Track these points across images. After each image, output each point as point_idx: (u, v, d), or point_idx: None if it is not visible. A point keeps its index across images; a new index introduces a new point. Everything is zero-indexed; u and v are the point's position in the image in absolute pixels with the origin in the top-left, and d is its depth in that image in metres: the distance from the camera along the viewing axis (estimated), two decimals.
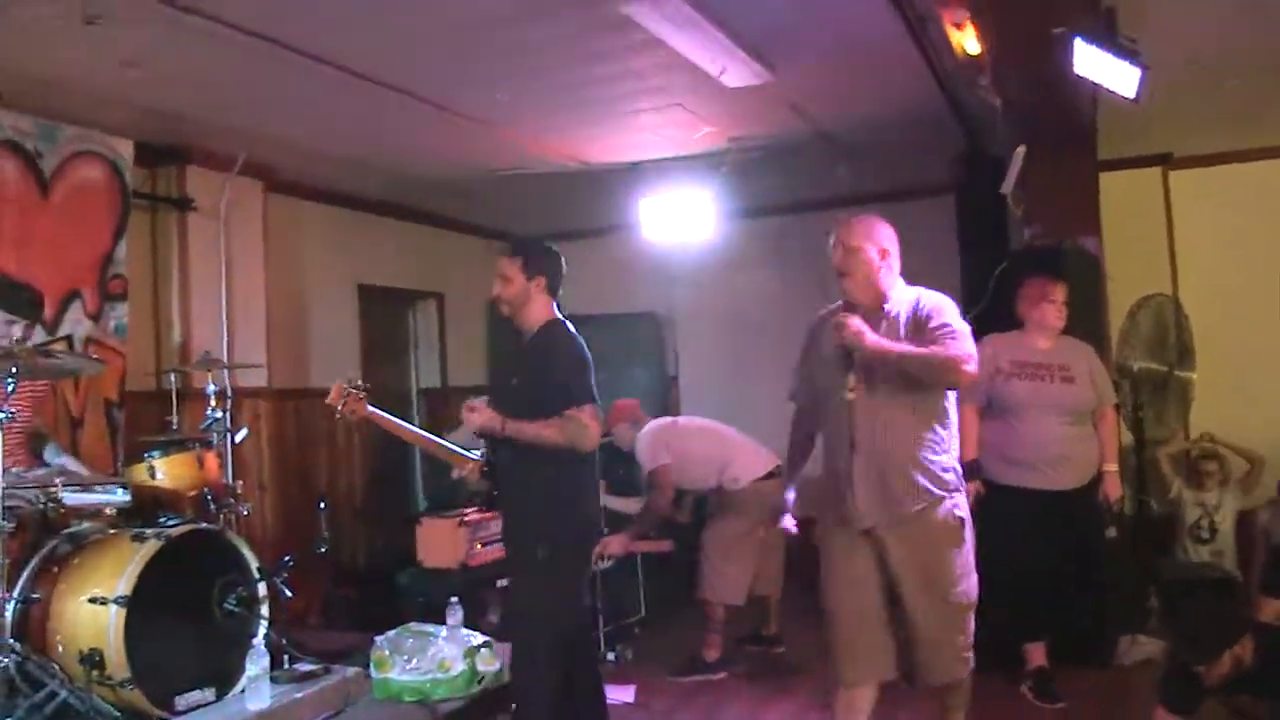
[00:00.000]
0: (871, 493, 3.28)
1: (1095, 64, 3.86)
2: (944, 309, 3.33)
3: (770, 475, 5.26)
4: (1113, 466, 4.69)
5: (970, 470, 4.51)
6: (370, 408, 3.94)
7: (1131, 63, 3.82)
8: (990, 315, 5.10)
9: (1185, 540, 6.20)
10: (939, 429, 3.34)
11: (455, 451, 4.01)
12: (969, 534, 3.39)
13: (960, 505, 3.38)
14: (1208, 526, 6.14)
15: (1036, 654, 4.63)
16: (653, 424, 5.60)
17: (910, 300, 3.38)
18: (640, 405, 5.87)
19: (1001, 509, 4.48)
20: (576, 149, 6.30)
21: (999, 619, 4.75)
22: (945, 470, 3.34)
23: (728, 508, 5.38)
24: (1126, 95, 4.00)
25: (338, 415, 3.86)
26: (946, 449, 3.36)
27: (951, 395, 3.38)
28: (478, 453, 3.96)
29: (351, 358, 7.22)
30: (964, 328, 3.29)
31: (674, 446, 5.42)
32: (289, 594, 4.59)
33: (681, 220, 6.43)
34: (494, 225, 8.70)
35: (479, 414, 3.60)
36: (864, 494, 3.28)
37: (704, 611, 5.43)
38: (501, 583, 5.58)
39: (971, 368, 3.23)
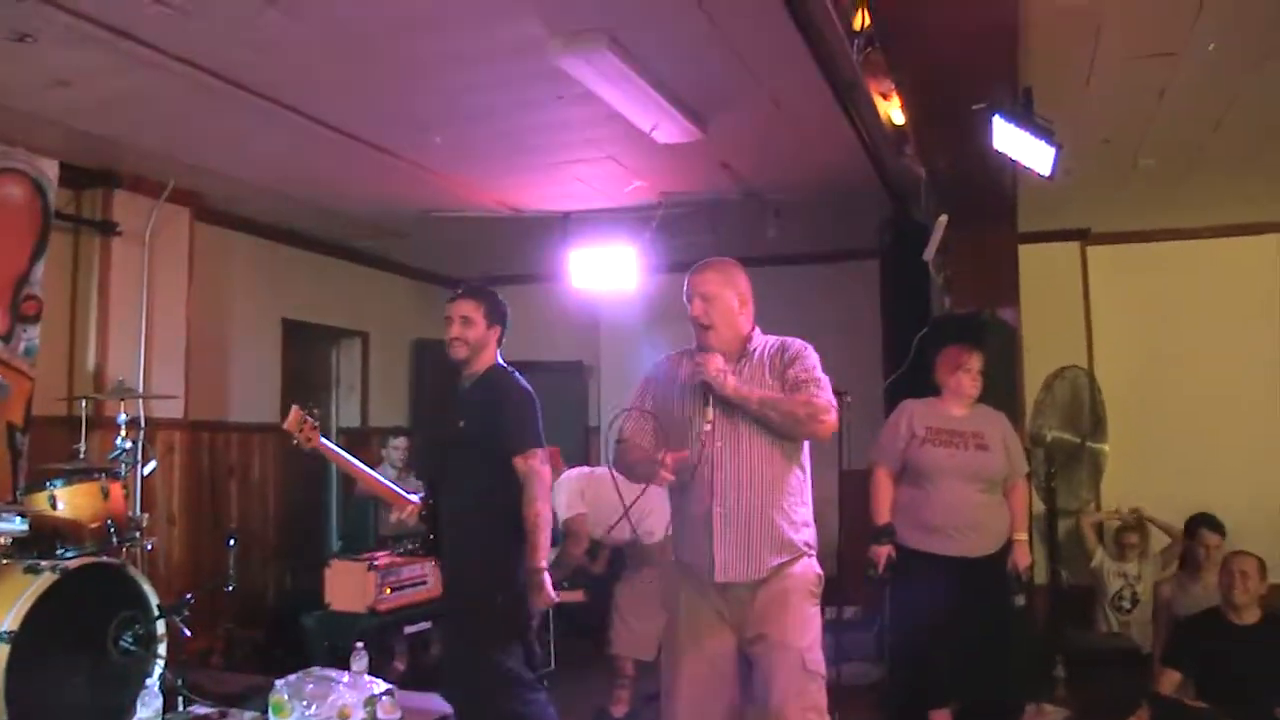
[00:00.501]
0: (731, 544, 3.01)
1: (1012, 140, 3.98)
2: (808, 355, 3.12)
3: None
4: (1023, 535, 4.73)
5: (883, 534, 4.58)
6: (322, 439, 3.97)
7: (1046, 141, 3.94)
8: (909, 380, 5.19)
9: (1106, 610, 6.33)
10: (801, 476, 3.14)
11: (398, 493, 4.02)
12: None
13: (817, 565, 3.15)
14: (1129, 597, 6.29)
15: None
16: (570, 472, 5.57)
17: (773, 344, 3.18)
18: (560, 454, 5.84)
19: (912, 574, 4.53)
20: (508, 195, 6.33)
21: (906, 684, 4.82)
22: (807, 525, 3.14)
23: (642, 561, 5.36)
24: (1041, 172, 4.13)
25: (294, 442, 3.86)
26: (808, 502, 3.16)
27: (804, 451, 3.16)
28: (416, 496, 3.99)
29: (271, 393, 7.11)
30: (825, 378, 3.09)
31: (589, 495, 5.39)
32: (188, 633, 4.48)
33: (610, 271, 6.46)
34: (423, 266, 8.71)
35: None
36: (722, 544, 3.01)
37: (614, 665, 5.38)
38: (411, 629, 5.51)
39: (833, 419, 3.02)
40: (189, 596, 4.59)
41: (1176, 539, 6.33)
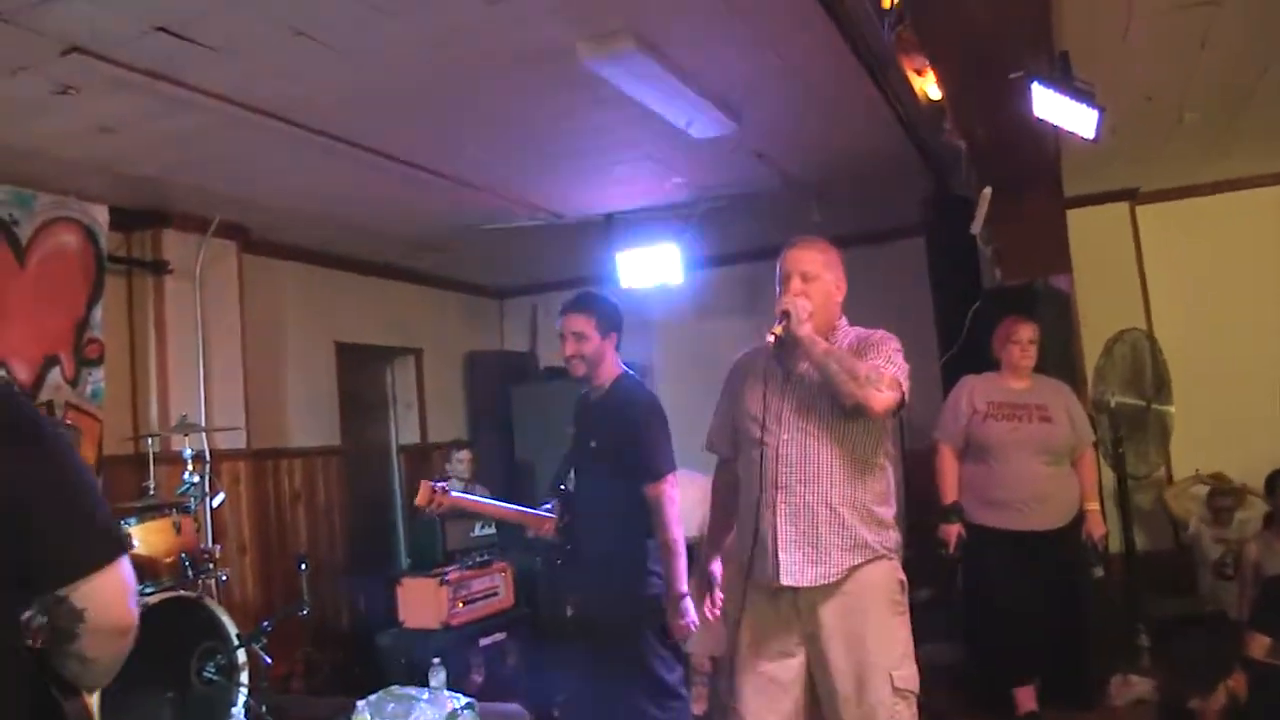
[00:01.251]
0: (796, 543, 2.79)
1: (1053, 107, 3.92)
2: (889, 341, 2.93)
3: None
4: (1094, 505, 4.68)
5: (950, 512, 4.54)
6: (454, 494, 3.94)
7: (1088, 104, 3.88)
8: (965, 356, 5.13)
9: (1209, 577, 6.18)
10: (883, 472, 2.92)
11: (531, 514, 3.96)
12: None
13: (900, 570, 2.89)
14: (1232, 562, 6.13)
15: (1026, 697, 4.58)
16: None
17: (859, 334, 3.00)
18: None
19: (983, 551, 4.49)
20: (549, 202, 6.34)
21: (987, 662, 4.77)
22: (888, 526, 2.87)
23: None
24: (1086, 135, 4.07)
25: (427, 512, 3.81)
26: (891, 501, 2.93)
27: (887, 447, 2.95)
28: (547, 508, 3.94)
29: (330, 416, 7.21)
30: (904, 365, 2.89)
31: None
32: (269, 660, 4.54)
33: (657, 269, 6.45)
34: (470, 279, 8.76)
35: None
36: (786, 544, 2.79)
37: (689, 664, 5.38)
38: (485, 641, 5.55)
39: (890, 395, 2.75)
40: (266, 624, 4.66)
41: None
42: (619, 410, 3.69)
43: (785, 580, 2.78)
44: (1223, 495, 6.36)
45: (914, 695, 2.77)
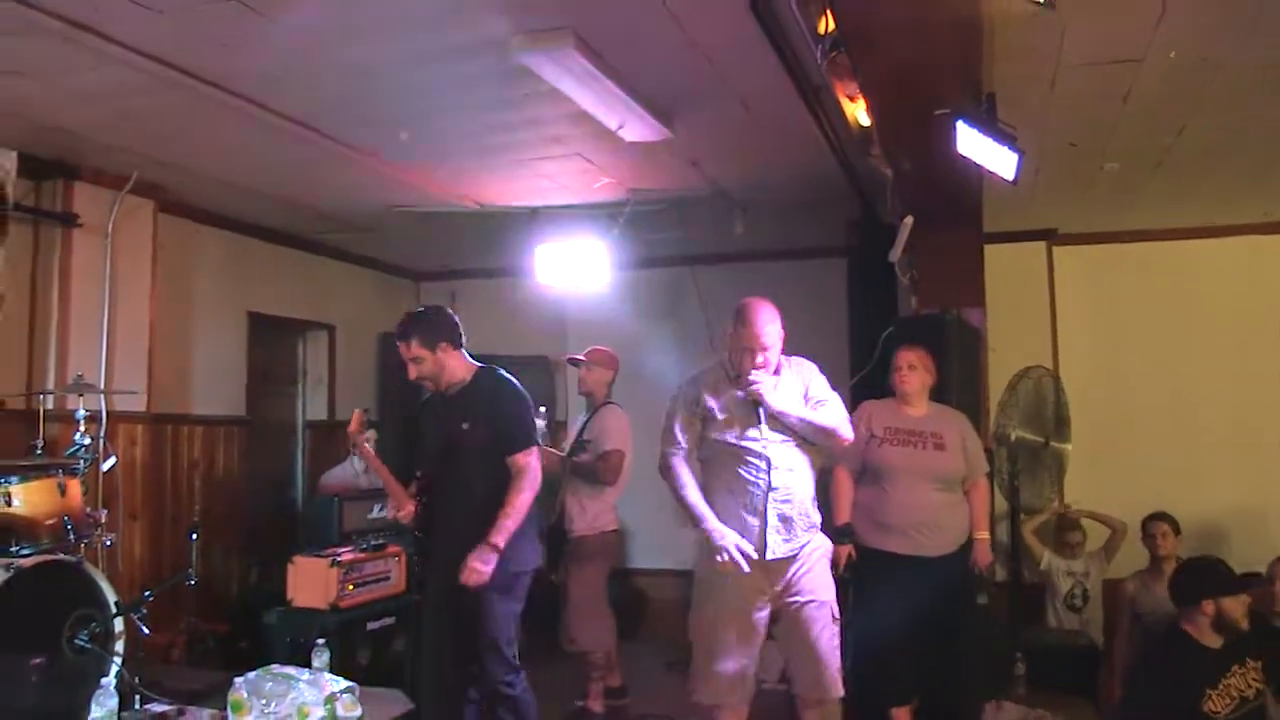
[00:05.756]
0: (780, 529, 3.71)
1: (976, 146, 4.00)
2: (817, 371, 3.94)
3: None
4: (983, 534, 4.78)
5: (842, 533, 4.59)
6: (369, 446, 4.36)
7: (1009, 147, 3.95)
8: (875, 380, 5.21)
9: (1059, 608, 6.39)
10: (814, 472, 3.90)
11: (399, 490, 4.19)
12: None
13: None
14: (1080, 594, 6.35)
15: (902, 718, 4.68)
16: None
17: (791, 361, 3.90)
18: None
19: (872, 573, 4.55)
20: (475, 191, 6.29)
21: (867, 683, 4.84)
22: (817, 508, 3.91)
23: (591, 554, 5.41)
24: (1005, 177, 4.15)
25: (353, 446, 4.26)
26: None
27: None
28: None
29: (237, 386, 7.07)
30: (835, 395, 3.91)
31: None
32: (147, 631, 4.44)
33: (577, 267, 6.44)
34: (390, 260, 8.67)
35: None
36: (774, 530, 3.69)
37: (584, 660, 5.41)
38: (374, 625, 5.49)
39: (850, 431, 3.85)
40: (148, 594, 4.56)
41: (1118, 530, 6.42)
42: (489, 393, 4.04)
43: (770, 556, 3.70)
44: (1069, 530, 6.57)
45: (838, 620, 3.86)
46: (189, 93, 4.43)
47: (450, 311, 4.14)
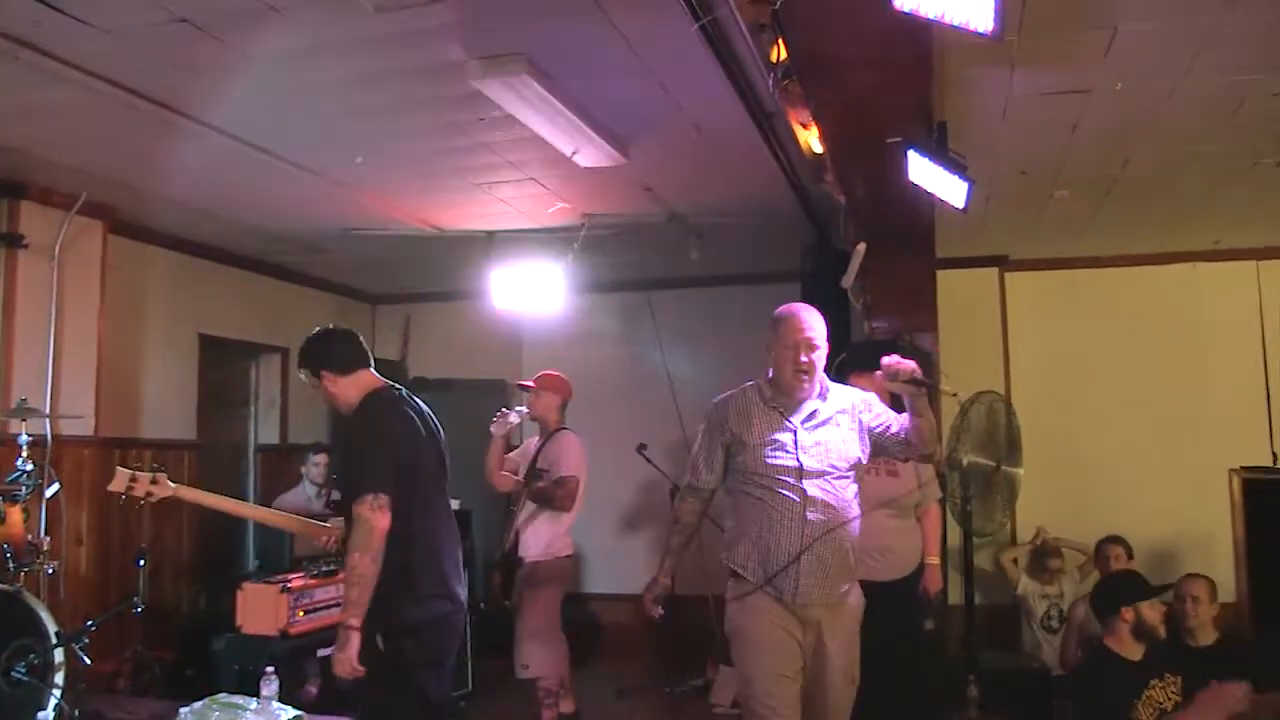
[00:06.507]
0: (815, 571, 3.33)
1: (927, 174, 4.04)
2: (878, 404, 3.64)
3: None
4: (934, 559, 4.81)
5: None
6: (174, 485, 3.94)
7: (960, 176, 4.00)
8: None
9: (1036, 631, 6.46)
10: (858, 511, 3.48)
11: (309, 524, 3.88)
12: None
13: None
14: (1056, 616, 6.43)
15: None
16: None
17: (837, 390, 3.59)
18: None
19: None
20: (431, 214, 6.28)
21: None
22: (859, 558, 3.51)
23: (546, 580, 5.39)
24: (956, 205, 4.20)
25: (138, 502, 3.80)
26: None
27: None
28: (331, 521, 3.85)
29: (188, 409, 6.98)
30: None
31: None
32: (88, 661, 4.35)
33: (533, 291, 6.43)
34: (344, 281, 8.61)
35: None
36: (807, 573, 3.32)
37: (537, 687, 5.37)
38: (324, 652, 5.40)
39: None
40: (90, 623, 4.47)
41: (1090, 556, 6.51)
42: (344, 426, 3.64)
43: (802, 600, 3.33)
44: (1048, 556, 6.66)
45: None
46: (138, 112, 4.38)
47: (342, 333, 3.64)
